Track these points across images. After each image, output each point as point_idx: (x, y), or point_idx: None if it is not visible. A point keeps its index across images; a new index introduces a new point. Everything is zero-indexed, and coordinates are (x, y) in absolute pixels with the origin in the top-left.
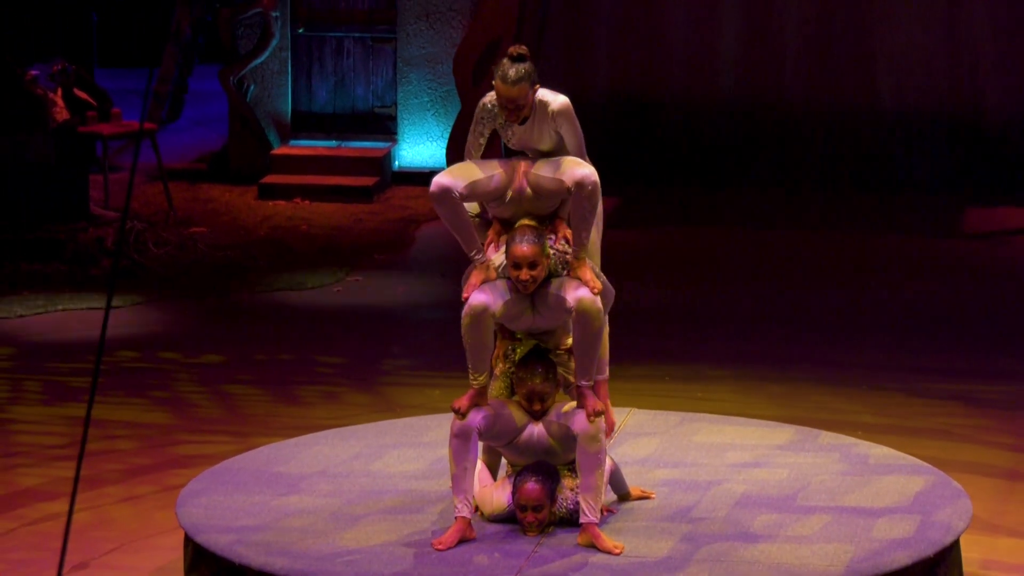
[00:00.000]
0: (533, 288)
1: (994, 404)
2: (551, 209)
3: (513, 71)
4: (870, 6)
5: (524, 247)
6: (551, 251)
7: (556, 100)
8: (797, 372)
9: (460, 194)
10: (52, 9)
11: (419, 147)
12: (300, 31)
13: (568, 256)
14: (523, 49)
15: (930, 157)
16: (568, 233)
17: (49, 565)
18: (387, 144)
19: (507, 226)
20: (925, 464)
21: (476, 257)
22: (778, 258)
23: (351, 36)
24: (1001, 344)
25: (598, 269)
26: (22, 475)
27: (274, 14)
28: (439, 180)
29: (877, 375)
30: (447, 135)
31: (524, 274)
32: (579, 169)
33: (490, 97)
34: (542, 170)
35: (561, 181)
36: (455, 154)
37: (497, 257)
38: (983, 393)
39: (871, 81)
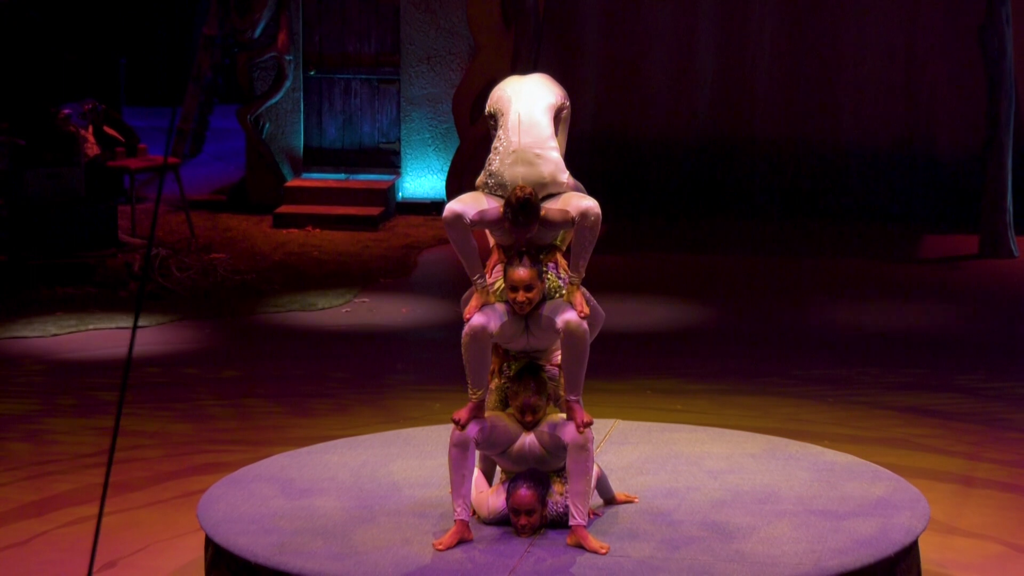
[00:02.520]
0: (529, 310)
1: (950, 415)
2: (551, 239)
3: (523, 217)
4: (834, 50)
5: (521, 271)
6: (549, 275)
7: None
8: (768, 386)
9: (471, 220)
10: (83, 53)
11: (421, 179)
12: (311, 73)
13: (563, 280)
14: (528, 191)
15: (889, 188)
16: (563, 261)
17: (80, 564)
18: (391, 177)
19: (506, 251)
20: (886, 471)
21: (478, 281)
22: (750, 281)
23: (358, 78)
24: (955, 360)
25: (589, 294)
26: (55, 481)
27: (287, 58)
28: (452, 207)
29: (842, 389)
30: (447, 168)
31: (521, 296)
32: (583, 201)
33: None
34: (547, 202)
35: (566, 212)
36: (454, 186)
37: (497, 282)
38: (940, 405)
39: (835, 118)
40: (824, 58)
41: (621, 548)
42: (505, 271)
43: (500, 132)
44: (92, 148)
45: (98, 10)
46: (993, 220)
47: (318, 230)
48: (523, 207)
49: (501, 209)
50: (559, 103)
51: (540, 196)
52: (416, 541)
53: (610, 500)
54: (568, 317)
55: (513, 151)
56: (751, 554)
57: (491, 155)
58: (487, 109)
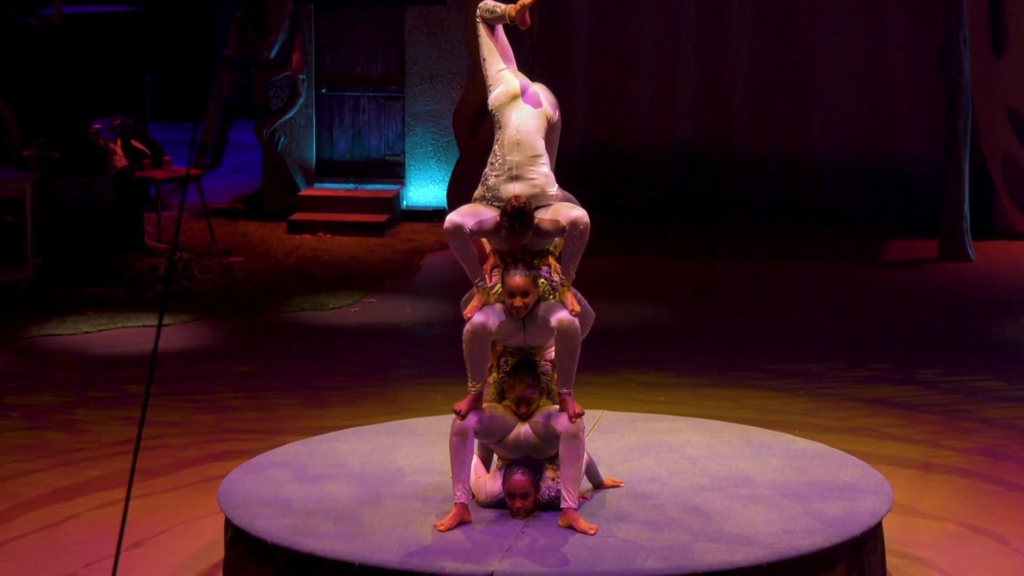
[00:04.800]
0: (525, 313)
1: (911, 406)
2: (544, 246)
3: (518, 225)
4: (805, 68)
5: (518, 279)
6: (542, 279)
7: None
8: (744, 380)
9: (470, 230)
10: (112, 72)
11: (424, 189)
12: (323, 91)
13: (555, 283)
14: (523, 201)
15: (855, 196)
16: (556, 265)
17: (108, 544)
18: (396, 187)
19: (502, 257)
20: (852, 457)
21: (479, 284)
22: (727, 282)
23: (366, 95)
24: (916, 355)
25: (580, 295)
26: (86, 467)
27: (301, 77)
28: (452, 219)
29: (812, 382)
30: (447, 179)
31: (518, 301)
32: (573, 211)
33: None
34: (539, 212)
35: (557, 221)
36: (454, 195)
37: (495, 285)
38: (902, 397)
39: (805, 131)
40: (796, 77)
41: (608, 529)
42: (503, 278)
43: (496, 147)
44: (120, 160)
45: (126, 33)
46: (952, 226)
47: (329, 236)
48: (518, 216)
49: (498, 218)
50: (552, 118)
51: (533, 207)
52: (419, 523)
53: (598, 485)
54: (561, 316)
55: (508, 168)
56: (728, 535)
57: (487, 169)
58: (490, 103)
